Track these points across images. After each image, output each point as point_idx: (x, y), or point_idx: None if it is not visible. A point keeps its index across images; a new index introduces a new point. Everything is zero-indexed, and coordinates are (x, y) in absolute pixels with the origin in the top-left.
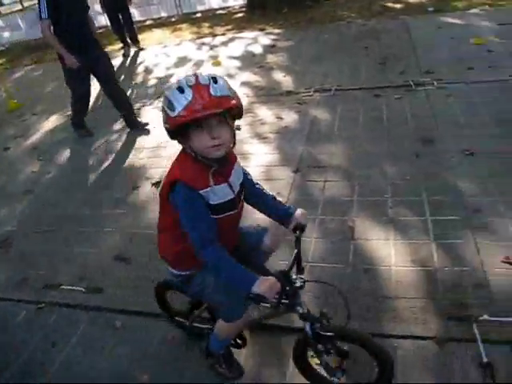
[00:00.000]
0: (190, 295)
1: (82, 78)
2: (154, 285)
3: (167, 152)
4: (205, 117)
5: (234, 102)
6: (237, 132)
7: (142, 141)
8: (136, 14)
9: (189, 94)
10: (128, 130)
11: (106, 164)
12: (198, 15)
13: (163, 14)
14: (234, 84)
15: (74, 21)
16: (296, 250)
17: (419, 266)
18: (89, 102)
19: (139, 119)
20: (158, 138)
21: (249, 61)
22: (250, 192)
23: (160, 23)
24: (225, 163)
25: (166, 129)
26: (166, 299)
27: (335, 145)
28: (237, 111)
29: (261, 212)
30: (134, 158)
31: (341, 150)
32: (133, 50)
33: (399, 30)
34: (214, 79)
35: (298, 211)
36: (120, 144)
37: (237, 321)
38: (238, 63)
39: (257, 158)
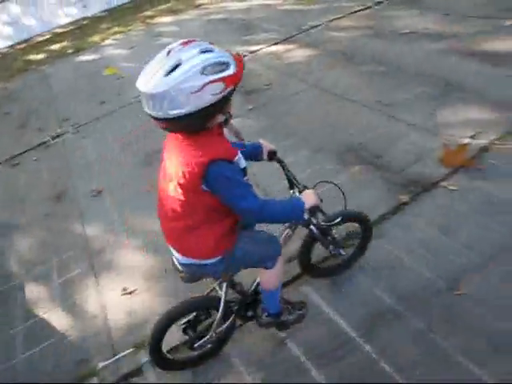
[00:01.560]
0: (234, 269)
1: None
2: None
3: None
4: None
5: None
6: None
7: None
8: None
9: (221, 50)
10: None
11: None
12: None
13: None
14: None
15: None
16: (285, 171)
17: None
18: None
19: None
20: None
21: None
22: None
23: None
24: None
25: (220, 98)
26: (162, 350)
27: None
28: None
29: None
30: None
31: None
32: None
33: (40, 83)
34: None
35: (261, 140)
36: None
37: (278, 259)
38: None
39: None
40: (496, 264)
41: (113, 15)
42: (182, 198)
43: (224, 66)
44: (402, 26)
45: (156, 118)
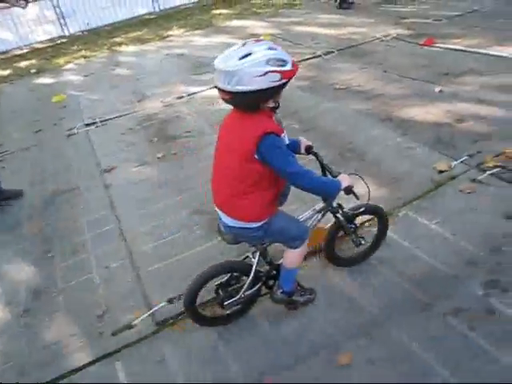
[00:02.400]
0: (269, 239)
1: None
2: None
3: None
4: None
5: None
6: None
7: None
8: None
9: (283, 50)
10: None
11: None
12: None
13: None
14: None
15: None
16: (320, 162)
17: None
18: None
19: None
20: None
21: None
22: None
23: None
24: None
25: (275, 86)
26: (196, 305)
27: None
28: None
29: None
30: None
31: None
32: None
33: None
34: None
35: (300, 138)
36: None
37: (305, 241)
38: None
39: None
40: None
41: (87, 37)
42: (237, 165)
43: (284, 62)
44: (339, 81)
45: (224, 91)
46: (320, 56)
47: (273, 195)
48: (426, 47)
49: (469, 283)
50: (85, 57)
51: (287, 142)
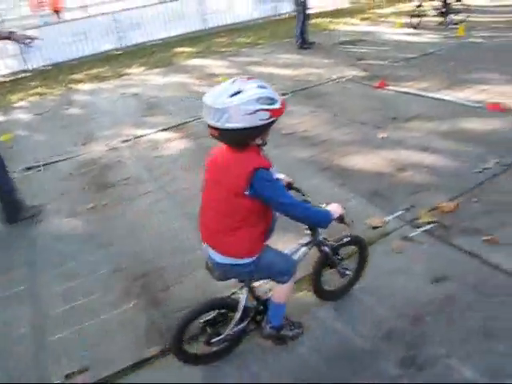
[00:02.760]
0: (258, 274)
1: None
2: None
3: None
4: None
5: None
6: None
7: None
8: None
9: (271, 89)
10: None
11: None
12: None
13: None
14: None
15: None
16: (305, 197)
17: None
18: None
19: None
20: None
21: None
22: None
23: None
24: None
25: (264, 124)
26: (183, 344)
27: None
28: None
29: None
30: None
31: None
32: None
33: None
34: None
35: (279, 174)
36: None
37: (293, 275)
38: None
39: None
40: None
41: (49, 73)
42: (226, 201)
43: (273, 101)
44: (287, 125)
45: (213, 128)
46: None
47: (261, 231)
48: (379, 89)
49: (384, 360)
50: (39, 94)
51: (277, 175)
